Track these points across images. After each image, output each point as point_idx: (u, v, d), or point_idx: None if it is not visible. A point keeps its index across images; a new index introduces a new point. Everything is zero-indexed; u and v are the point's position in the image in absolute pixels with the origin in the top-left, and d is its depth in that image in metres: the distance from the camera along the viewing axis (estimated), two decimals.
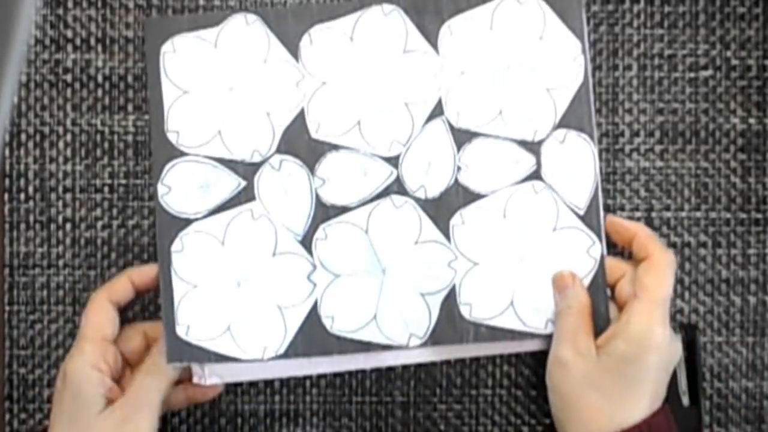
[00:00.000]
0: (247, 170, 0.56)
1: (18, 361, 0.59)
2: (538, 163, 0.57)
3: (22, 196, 0.59)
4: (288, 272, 0.56)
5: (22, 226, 0.59)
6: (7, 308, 0.59)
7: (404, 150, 0.57)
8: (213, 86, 0.57)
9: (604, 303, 0.56)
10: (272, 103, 0.57)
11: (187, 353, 0.55)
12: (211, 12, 0.59)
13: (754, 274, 0.61)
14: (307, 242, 0.56)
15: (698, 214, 0.60)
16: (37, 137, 0.59)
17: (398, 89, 0.57)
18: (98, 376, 0.53)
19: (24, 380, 0.59)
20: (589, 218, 0.56)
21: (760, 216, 0.61)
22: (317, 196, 0.57)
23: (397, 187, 0.57)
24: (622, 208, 0.60)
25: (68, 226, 0.59)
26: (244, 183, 0.56)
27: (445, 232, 0.57)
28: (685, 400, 0.58)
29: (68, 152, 0.59)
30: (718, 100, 0.61)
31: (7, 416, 0.59)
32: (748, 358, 0.60)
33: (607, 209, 0.60)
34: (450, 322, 0.56)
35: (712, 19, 0.61)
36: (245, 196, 0.56)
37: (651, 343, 0.52)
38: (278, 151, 0.57)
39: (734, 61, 0.61)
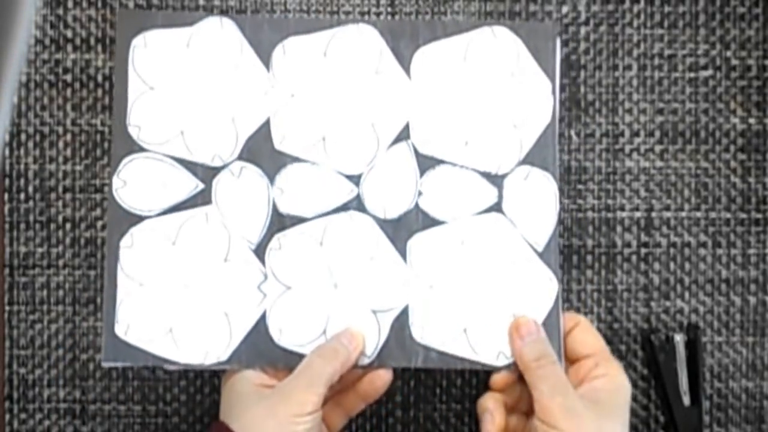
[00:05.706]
0: (206, 173, 0.56)
1: (18, 361, 0.59)
2: (500, 197, 0.57)
3: (22, 196, 0.59)
4: (238, 279, 0.56)
5: (22, 226, 0.59)
6: (7, 308, 0.59)
7: (367, 170, 0.57)
8: (180, 85, 0.56)
9: (557, 340, 0.55)
10: (238, 110, 0.56)
11: (123, 354, 0.55)
12: (185, 11, 0.59)
13: (754, 274, 0.60)
14: (260, 251, 0.56)
15: (698, 214, 0.60)
16: (37, 137, 0.59)
17: (367, 109, 0.57)
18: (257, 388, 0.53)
19: (24, 380, 0.59)
20: (547, 256, 0.56)
21: (760, 216, 0.61)
22: (275, 205, 0.56)
23: (357, 204, 0.56)
24: (622, 208, 0.60)
25: (68, 226, 0.59)
26: (201, 186, 0.56)
27: (402, 253, 0.56)
28: (686, 400, 0.58)
29: (68, 152, 0.59)
30: (718, 100, 0.61)
31: (7, 416, 0.59)
32: (748, 358, 0.60)
33: (607, 209, 0.60)
34: (399, 342, 0.56)
35: (712, 19, 0.61)
36: (201, 198, 0.56)
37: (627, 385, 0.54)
38: (240, 158, 0.56)
39: (734, 61, 0.61)
